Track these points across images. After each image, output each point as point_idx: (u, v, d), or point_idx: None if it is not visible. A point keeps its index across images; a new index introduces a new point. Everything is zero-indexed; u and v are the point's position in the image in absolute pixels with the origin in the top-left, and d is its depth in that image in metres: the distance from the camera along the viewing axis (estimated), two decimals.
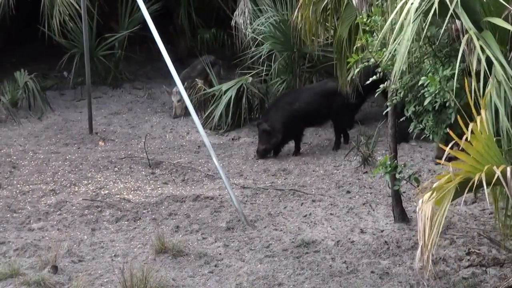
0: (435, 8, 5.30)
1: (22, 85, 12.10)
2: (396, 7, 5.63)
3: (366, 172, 9.34)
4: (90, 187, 9.11)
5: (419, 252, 5.12)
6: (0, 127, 11.54)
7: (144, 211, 8.42)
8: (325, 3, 7.98)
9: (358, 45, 7.03)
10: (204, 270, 7.00)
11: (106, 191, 8.94)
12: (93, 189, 9.04)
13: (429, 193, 5.18)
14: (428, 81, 5.79)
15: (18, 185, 9.15)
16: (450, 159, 5.35)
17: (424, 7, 5.42)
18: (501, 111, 5.23)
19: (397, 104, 6.75)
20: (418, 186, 6.99)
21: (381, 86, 6.85)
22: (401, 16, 5.44)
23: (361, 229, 7.71)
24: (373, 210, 8.22)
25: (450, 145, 5.12)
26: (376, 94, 7.02)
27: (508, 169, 5.01)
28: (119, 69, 13.61)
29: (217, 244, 7.53)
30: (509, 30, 5.45)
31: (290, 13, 10.98)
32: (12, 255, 7.25)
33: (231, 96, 11.22)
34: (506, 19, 5.45)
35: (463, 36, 5.48)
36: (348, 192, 8.81)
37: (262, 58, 11.60)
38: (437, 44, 5.98)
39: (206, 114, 11.42)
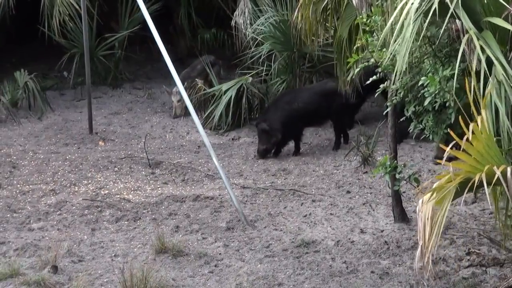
0: (435, 8, 5.30)
1: (22, 85, 12.10)
2: (396, 7, 5.63)
3: (366, 172, 9.34)
4: (90, 187, 9.11)
5: (419, 252, 5.11)
6: (0, 127, 11.55)
7: (144, 211, 8.42)
8: (325, 3, 7.98)
9: (358, 45, 7.03)
10: (204, 270, 7.00)
11: (106, 191, 8.95)
12: (93, 189, 9.04)
13: (429, 194, 5.18)
14: (428, 81, 5.79)
15: (18, 185, 9.15)
16: (449, 159, 5.35)
17: (424, 7, 5.42)
18: (502, 111, 5.23)
19: (397, 104, 6.75)
20: (418, 186, 6.99)
21: (381, 86, 6.85)
22: (401, 17, 5.44)
23: (361, 229, 7.71)
24: (373, 210, 8.22)
25: (450, 145, 5.12)
26: (376, 94, 7.02)
27: (509, 169, 5.01)
28: (119, 69, 13.62)
29: (217, 244, 7.53)
30: (509, 30, 5.45)
31: (290, 13, 10.98)
32: (12, 255, 7.25)
33: (231, 96, 11.22)
34: (506, 19, 5.45)
35: (463, 36, 5.48)
36: (348, 192, 8.81)
37: (262, 58, 11.60)
38: (437, 44, 5.98)
39: (206, 114, 11.42)
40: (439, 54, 6.01)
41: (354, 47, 7.27)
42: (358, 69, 7.00)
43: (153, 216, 8.27)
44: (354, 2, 7.35)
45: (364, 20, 6.72)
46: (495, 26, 5.47)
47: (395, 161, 7.36)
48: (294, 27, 9.47)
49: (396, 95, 6.46)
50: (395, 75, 5.72)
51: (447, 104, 5.79)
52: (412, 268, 6.71)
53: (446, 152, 5.14)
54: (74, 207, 8.50)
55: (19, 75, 12.20)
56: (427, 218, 5.08)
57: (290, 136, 10.38)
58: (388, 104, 6.92)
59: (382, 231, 7.64)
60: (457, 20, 5.60)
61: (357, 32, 7.32)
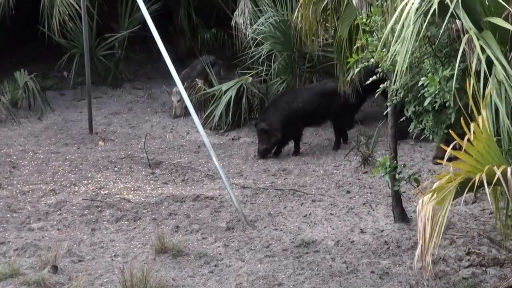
0: (435, 8, 5.30)
1: (22, 85, 12.10)
2: (396, 8, 5.63)
3: (366, 172, 9.33)
4: (90, 187, 9.11)
5: (418, 252, 5.11)
6: (0, 127, 11.55)
7: (144, 211, 8.42)
8: (325, 3, 7.97)
9: (358, 45, 7.03)
10: (204, 270, 7.00)
11: (106, 191, 8.95)
12: (93, 189, 9.04)
13: (429, 194, 5.17)
14: (428, 81, 5.79)
15: (18, 185, 9.15)
16: (449, 159, 5.35)
17: (424, 7, 5.42)
18: (502, 111, 5.23)
19: (397, 104, 6.75)
20: (418, 186, 6.99)
21: (381, 86, 6.85)
22: (402, 17, 5.44)
23: (361, 229, 7.71)
24: (373, 210, 8.22)
25: (451, 146, 5.12)
26: (376, 94, 7.02)
27: (509, 169, 5.01)
28: (119, 69, 13.61)
29: (217, 244, 7.53)
30: (509, 30, 5.45)
31: (290, 13, 10.98)
32: (12, 255, 7.25)
33: (231, 96, 11.22)
34: (506, 19, 5.45)
35: (463, 36, 5.48)
36: (348, 192, 8.81)
37: (262, 58, 11.60)
38: (437, 44, 5.98)
39: (206, 114, 11.42)
40: (439, 54, 6.01)
41: (354, 47, 7.27)
42: (358, 69, 7.00)
43: (153, 216, 8.27)
44: (354, 2, 7.34)
45: (364, 20, 6.72)
46: (495, 26, 5.47)
47: (395, 161, 7.36)
48: (294, 27, 9.47)
49: (396, 95, 6.46)
50: (395, 75, 5.72)
51: (447, 104, 5.79)
52: (412, 268, 6.71)
53: (447, 152, 5.13)
54: (74, 207, 8.50)
55: (19, 75, 12.20)
56: (427, 218, 5.08)
57: (289, 136, 10.38)
58: (388, 104, 6.92)
59: (382, 231, 7.64)
60: (457, 20, 5.61)
61: (357, 32, 7.32)
